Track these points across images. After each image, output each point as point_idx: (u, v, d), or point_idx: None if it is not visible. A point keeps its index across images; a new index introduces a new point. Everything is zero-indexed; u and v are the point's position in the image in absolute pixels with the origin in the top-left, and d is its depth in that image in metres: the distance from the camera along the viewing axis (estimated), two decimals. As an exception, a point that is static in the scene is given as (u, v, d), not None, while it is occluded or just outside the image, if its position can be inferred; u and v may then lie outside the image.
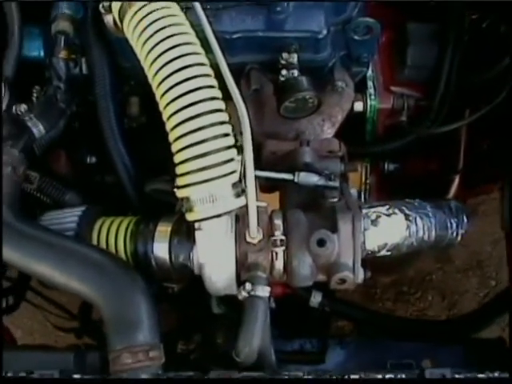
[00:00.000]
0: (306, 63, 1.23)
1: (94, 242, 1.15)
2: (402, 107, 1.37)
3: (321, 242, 1.04)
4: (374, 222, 1.12)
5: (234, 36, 1.21)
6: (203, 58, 1.04)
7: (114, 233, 1.15)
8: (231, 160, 1.02)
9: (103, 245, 1.15)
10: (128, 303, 1.04)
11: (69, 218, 1.17)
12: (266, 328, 1.05)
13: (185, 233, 1.10)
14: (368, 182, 1.44)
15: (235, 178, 1.03)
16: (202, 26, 1.06)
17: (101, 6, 1.13)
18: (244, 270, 1.07)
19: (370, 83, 1.36)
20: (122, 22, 1.09)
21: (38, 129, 1.18)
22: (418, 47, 1.36)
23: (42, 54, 1.33)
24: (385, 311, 2.13)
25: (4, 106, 1.14)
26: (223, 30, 1.20)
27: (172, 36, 1.03)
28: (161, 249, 1.12)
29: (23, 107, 1.17)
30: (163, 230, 1.13)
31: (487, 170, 1.46)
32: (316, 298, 1.50)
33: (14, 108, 1.17)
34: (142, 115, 1.35)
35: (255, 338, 1.02)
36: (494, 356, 1.39)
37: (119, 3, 1.09)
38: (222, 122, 1.02)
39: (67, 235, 1.13)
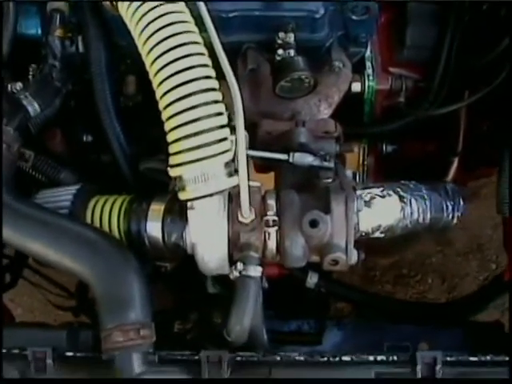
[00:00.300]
0: (303, 43, 1.22)
1: (88, 220, 1.15)
2: (400, 88, 1.35)
3: (313, 223, 1.04)
4: (368, 203, 1.11)
5: (231, 15, 1.20)
6: (197, 37, 1.04)
7: (107, 211, 1.15)
8: (224, 139, 1.02)
9: (97, 223, 1.15)
10: (120, 282, 1.04)
11: (63, 196, 1.17)
12: (257, 308, 1.05)
13: (178, 212, 1.10)
14: (365, 163, 1.43)
15: (228, 157, 1.03)
16: (197, 4, 1.05)
17: (98, -17, 1.14)
18: (236, 250, 1.07)
19: (368, 64, 1.34)
20: (116, -1, 1.09)
21: (33, 107, 1.18)
22: (417, 27, 1.34)
23: (39, 31, 1.31)
24: (384, 294, 2.13)
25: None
26: (220, 8, 1.19)
27: (166, 14, 1.02)
28: (154, 228, 1.11)
29: (18, 85, 1.17)
30: (156, 208, 1.12)
31: (487, 152, 1.45)
32: (312, 279, 1.50)
33: (9, 86, 1.17)
34: (138, 94, 1.34)
35: (246, 317, 1.02)
36: (492, 339, 1.39)
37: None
38: (215, 101, 1.01)
39: (61, 213, 1.13)
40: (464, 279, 2.17)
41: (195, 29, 1.05)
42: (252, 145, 1.16)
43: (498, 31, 1.30)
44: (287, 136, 1.18)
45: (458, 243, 2.21)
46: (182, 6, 1.05)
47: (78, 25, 1.25)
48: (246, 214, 1.05)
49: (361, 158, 1.43)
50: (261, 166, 1.23)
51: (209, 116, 0.99)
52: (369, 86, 1.34)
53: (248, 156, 1.12)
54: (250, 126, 1.21)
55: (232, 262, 1.07)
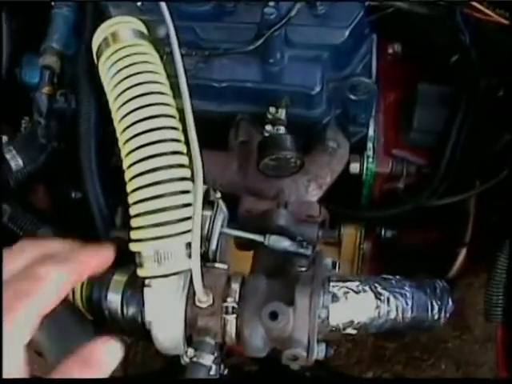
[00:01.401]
0: (298, 119, 1.17)
1: (54, 282, 1.12)
2: (400, 173, 1.28)
3: (273, 315, 0.97)
4: (337, 298, 1.04)
5: (223, 84, 1.16)
6: (172, 110, 1.01)
7: (73, 276, 1.12)
8: (187, 218, 0.97)
9: (62, 287, 1.11)
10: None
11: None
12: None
13: (139, 286, 1.05)
14: (362, 247, 1.35)
15: (190, 237, 0.98)
16: (178, 73, 1.02)
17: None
18: (195, 333, 1.03)
19: (369, 144, 1.28)
20: (98, 62, 1.07)
21: (15, 162, 1.16)
22: (426, 110, 1.27)
23: (41, 83, 1.32)
24: (392, 375, 2.02)
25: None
26: (212, 77, 1.17)
27: (141, 84, 0.99)
28: (114, 299, 1.06)
29: (4, 139, 1.17)
30: (119, 279, 1.07)
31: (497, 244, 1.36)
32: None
33: (-7, 140, 1.16)
34: (129, 155, 1.32)
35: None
36: None
37: (98, 42, 1.07)
38: (182, 178, 0.96)
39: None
40: (480, 368, 2.02)
41: (172, 101, 1.02)
42: (232, 222, 1.12)
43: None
44: (267, 216, 1.13)
45: (477, 330, 2.08)
46: (161, 76, 1.03)
47: (72, 81, 1.23)
48: (203, 299, 0.99)
49: (357, 242, 1.36)
50: (241, 243, 1.17)
51: (172, 193, 0.95)
52: (367, 168, 1.27)
53: (222, 234, 1.09)
54: (233, 202, 1.17)
55: (189, 343, 1.03)
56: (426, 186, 1.27)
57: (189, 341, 1.04)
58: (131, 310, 1.06)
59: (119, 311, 1.07)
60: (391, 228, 1.36)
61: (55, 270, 0.82)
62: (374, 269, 1.38)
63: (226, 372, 1.06)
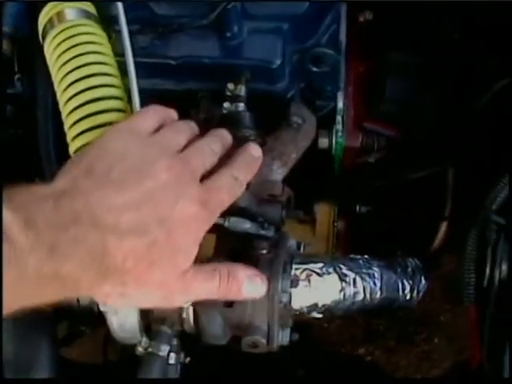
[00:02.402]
0: (260, 94, 1.12)
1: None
2: (371, 147, 1.22)
3: (228, 302, 0.94)
4: (297, 282, 1.00)
5: (180, 61, 1.11)
6: (117, 91, 0.97)
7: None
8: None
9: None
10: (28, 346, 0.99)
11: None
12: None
13: (94, 275, 1.02)
14: (336, 224, 1.30)
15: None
16: (125, 52, 0.98)
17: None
18: (152, 323, 0.99)
19: (338, 118, 1.21)
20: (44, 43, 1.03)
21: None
22: (397, 80, 1.20)
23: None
24: (384, 351, 1.98)
25: None
26: (168, 54, 1.11)
27: (85, 65, 0.96)
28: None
29: (-44, 126, 1.13)
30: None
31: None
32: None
33: None
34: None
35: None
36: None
37: (44, 22, 1.03)
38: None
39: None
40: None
41: (117, 82, 0.98)
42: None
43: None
44: (228, 197, 1.08)
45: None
46: (108, 57, 0.99)
47: (27, 65, 1.18)
48: (155, 287, 0.96)
49: (331, 220, 1.30)
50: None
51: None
52: (337, 143, 1.21)
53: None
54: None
55: (148, 333, 0.99)
56: (399, 160, 1.21)
57: (148, 330, 1.01)
58: (86, 300, 1.04)
59: (75, 300, 1.05)
60: (366, 204, 1.30)
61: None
62: (350, 247, 1.33)
63: (187, 360, 1.03)
